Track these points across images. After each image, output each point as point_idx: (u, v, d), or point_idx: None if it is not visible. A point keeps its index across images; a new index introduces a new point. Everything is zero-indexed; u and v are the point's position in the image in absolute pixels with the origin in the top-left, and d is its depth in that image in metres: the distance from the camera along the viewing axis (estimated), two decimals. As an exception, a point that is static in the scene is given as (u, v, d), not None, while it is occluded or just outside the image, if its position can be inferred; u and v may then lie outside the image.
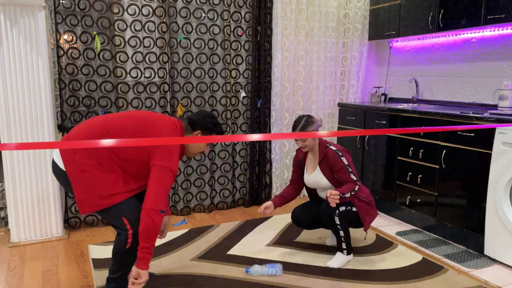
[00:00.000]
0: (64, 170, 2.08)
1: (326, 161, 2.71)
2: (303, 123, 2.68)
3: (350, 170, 2.65)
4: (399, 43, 4.24)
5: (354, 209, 2.67)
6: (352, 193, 2.59)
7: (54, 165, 2.14)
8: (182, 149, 2.30)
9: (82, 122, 2.19)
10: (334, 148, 2.71)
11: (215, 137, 1.65)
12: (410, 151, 3.36)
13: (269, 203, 2.80)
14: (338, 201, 2.51)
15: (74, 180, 2.07)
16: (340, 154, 2.68)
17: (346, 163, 2.66)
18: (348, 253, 2.72)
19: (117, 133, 2.09)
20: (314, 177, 2.79)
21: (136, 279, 2.05)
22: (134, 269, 2.08)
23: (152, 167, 2.09)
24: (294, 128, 2.72)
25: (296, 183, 2.96)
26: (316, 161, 2.79)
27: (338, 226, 2.64)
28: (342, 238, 2.68)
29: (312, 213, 2.89)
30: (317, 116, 3.32)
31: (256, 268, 2.58)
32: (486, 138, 2.77)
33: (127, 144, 1.42)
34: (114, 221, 2.12)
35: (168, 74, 3.55)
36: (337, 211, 2.61)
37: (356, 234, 3.23)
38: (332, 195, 2.50)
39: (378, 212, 3.76)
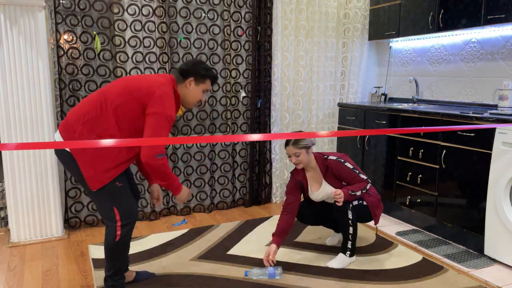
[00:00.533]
0: (68, 150, 2.08)
1: (331, 173, 2.69)
2: (295, 139, 2.58)
3: (358, 172, 2.67)
4: (399, 43, 4.24)
5: (365, 203, 2.68)
6: (364, 191, 2.62)
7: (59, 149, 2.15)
8: (178, 100, 2.24)
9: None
10: (334, 158, 2.69)
11: (216, 137, 1.65)
12: (410, 151, 3.36)
13: (273, 248, 2.60)
14: (342, 199, 2.53)
15: (79, 158, 2.07)
16: (342, 160, 2.68)
17: (351, 167, 2.67)
18: (351, 255, 2.72)
19: (112, 97, 2.10)
20: (323, 191, 2.74)
21: (157, 199, 2.39)
22: (157, 188, 2.39)
23: (146, 116, 2.09)
24: (286, 143, 2.62)
25: (293, 209, 2.68)
26: (320, 176, 2.75)
27: (350, 222, 2.63)
28: (350, 236, 2.67)
29: (318, 209, 2.89)
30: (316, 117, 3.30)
31: (255, 270, 2.57)
32: (486, 138, 2.77)
33: (128, 144, 1.42)
34: (105, 211, 2.13)
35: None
36: (350, 205, 2.62)
37: (361, 234, 3.22)
38: (336, 195, 2.52)
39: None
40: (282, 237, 2.64)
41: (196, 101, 2.31)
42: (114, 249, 2.17)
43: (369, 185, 2.65)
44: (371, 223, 3.40)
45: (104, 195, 2.12)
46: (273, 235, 2.66)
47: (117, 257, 2.20)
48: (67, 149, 2.08)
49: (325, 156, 2.72)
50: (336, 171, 2.67)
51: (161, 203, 2.51)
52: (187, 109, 2.28)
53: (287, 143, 2.62)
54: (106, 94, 2.12)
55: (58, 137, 2.14)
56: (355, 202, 2.65)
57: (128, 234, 2.17)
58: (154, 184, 2.44)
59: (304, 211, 2.90)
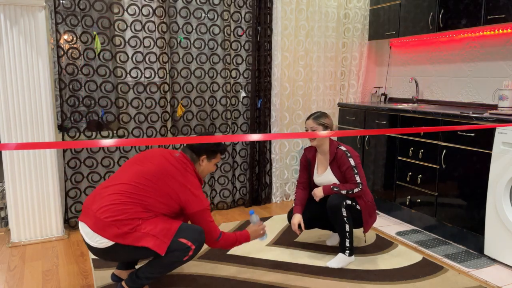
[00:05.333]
0: (112, 242, 2.03)
1: (336, 161, 2.75)
2: (320, 113, 2.79)
3: (356, 172, 2.68)
4: (399, 43, 4.24)
5: (358, 207, 2.70)
6: (349, 192, 2.65)
7: (97, 249, 2.08)
8: (199, 178, 2.39)
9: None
10: (344, 149, 2.75)
11: (216, 137, 1.65)
12: (410, 151, 3.36)
13: (297, 216, 2.77)
14: (317, 197, 2.73)
15: (135, 241, 2.03)
16: (349, 155, 2.72)
17: (353, 164, 2.70)
18: (350, 254, 2.72)
19: (152, 201, 2.14)
20: (326, 177, 2.80)
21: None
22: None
23: (190, 216, 2.24)
24: (309, 116, 2.80)
25: (307, 186, 2.93)
26: (327, 161, 2.81)
27: (345, 219, 2.64)
28: (347, 234, 2.68)
29: (311, 212, 2.89)
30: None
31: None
32: (486, 138, 2.77)
33: (127, 144, 1.42)
34: (177, 246, 2.10)
35: (168, 74, 3.55)
36: (344, 203, 2.63)
37: (358, 233, 3.22)
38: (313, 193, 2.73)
39: (378, 212, 3.76)
40: (302, 206, 2.86)
41: (208, 173, 2.47)
42: (173, 265, 2.15)
43: (357, 189, 2.65)
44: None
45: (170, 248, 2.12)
46: (294, 206, 2.85)
47: (169, 270, 2.19)
48: (111, 243, 2.02)
49: (338, 146, 2.78)
50: (339, 160, 2.74)
51: (262, 231, 2.59)
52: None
53: (308, 117, 2.80)
54: (142, 196, 2.11)
55: (92, 238, 2.06)
56: (348, 202, 2.66)
57: (196, 254, 2.20)
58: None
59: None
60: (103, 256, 2.12)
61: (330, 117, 2.80)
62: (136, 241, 2.03)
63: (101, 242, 2.03)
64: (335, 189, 2.67)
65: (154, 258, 2.15)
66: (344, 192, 2.65)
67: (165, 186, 2.17)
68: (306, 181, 2.93)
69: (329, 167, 2.79)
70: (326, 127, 2.75)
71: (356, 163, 2.71)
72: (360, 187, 2.65)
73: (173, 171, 2.21)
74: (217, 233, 2.29)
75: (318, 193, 2.75)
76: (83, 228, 2.10)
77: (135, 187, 2.11)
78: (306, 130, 2.79)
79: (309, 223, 2.92)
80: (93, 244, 2.06)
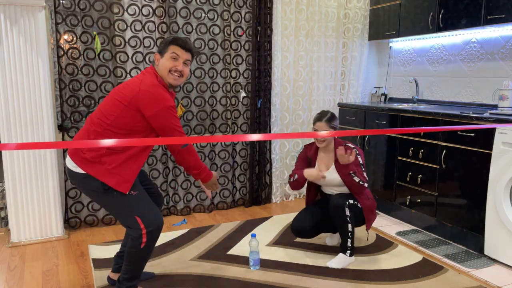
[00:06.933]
0: (84, 172, 2.06)
1: None
2: (330, 114, 2.72)
3: (364, 169, 2.70)
4: (399, 43, 4.24)
5: (359, 205, 2.70)
6: (361, 182, 2.62)
7: (71, 172, 2.11)
8: (163, 84, 2.18)
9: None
10: (352, 146, 2.75)
11: (216, 137, 1.65)
12: (410, 151, 3.36)
13: (310, 169, 2.71)
14: (351, 158, 2.55)
15: (98, 173, 2.05)
16: (357, 152, 2.73)
17: (361, 162, 2.70)
18: (351, 254, 2.72)
19: (108, 113, 2.10)
20: (329, 175, 2.76)
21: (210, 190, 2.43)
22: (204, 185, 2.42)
23: (148, 119, 2.07)
24: (321, 117, 2.72)
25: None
26: (331, 159, 2.80)
27: (348, 218, 2.63)
28: (349, 234, 2.67)
29: (314, 219, 2.83)
30: None
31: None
32: (486, 138, 2.77)
33: (127, 144, 1.42)
34: (128, 222, 2.10)
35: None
36: (347, 203, 2.63)
37: (358, 233, 3.22)
38: (342, 153, 2.54)
39: (378, 212, 3.76)
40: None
41: (167, 71, 2.16)
42: (138, 256, 2.14)
43: (366, 184, 2.67)
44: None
45: (123, 207, 2.11)
46: (296, 172, 2.76)
47: (139, 263, 2.18)
48: (82, 171, 2.06)
49: (345, 143, 2.77)
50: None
51: (217, 188, 2.51)
52: (172, 86, 2.20)
53: (320, 119, 2.71)
54: (102, 111, 2.11)
55: (69, 162, 2.12)
56: (351, 201, 2.66)
57: (154, 241, 2.15)
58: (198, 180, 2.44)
59: (301, 226, 2.82)
60: (71, 180, 2.16)
61: (336, 117, 2.81)
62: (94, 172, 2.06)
63: (71, 165, 2.10)
64: (351, 173, 2.61)
65: (125, 257, 2.17)
66: (356, 179, 2.59)
67: (119, 93, 2.10)
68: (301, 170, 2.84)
69: (333, 165, 2.77)
70: (335, 129, 2.73)
71: (363, 162, 2.72)
72: (367, 185, 2.67)
73: (131, 80, 2.15)
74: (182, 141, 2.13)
75: (330, 176, 2.73)
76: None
77: (98, 113, 2.12)
78: (315, 131, 2.74)
79: (314, 231, 2.86)
80: (69, 166, 2.13)
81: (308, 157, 2.89)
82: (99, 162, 2.06)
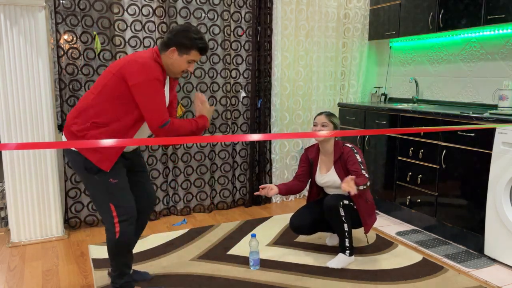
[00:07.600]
0: (73, 149, 2.09)
1: (342, 160, 2.74)
2: (330, 112, 2.81)
3: (362, 167, 2.69)
4: (399, 43, 4.24)
5: (355, 207, 2.69)
6: (365, 187, 2.55)
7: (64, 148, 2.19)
8: (160, 62, 2.10)
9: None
10: (350, 145, 2.76)
11: (216, 137, 1.65)
12: (410, 151, 3.36)
13: (273, 187, 2.71)
14: (353, 188, 2.40)
15: (82, 149, 2.06)
16: (355, 151, 2.73)
17: (360, 160, 2.70)
18: (350, 254, 2.72)
19: (96, 83, 2.10)
20: (330, 177, 2.79)
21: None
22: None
23: (132, 88, 1.99)
24: (321, 113, 2.80)
25: (302, 178, 2.89)
26: (331, 161, 2.80)
27: (343, 219, 2.63)
28: (346, 234, 2.67)
29: (312, 216, 2.85)
30: None
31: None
32: (486, 138, 2.77)
33: (127, 144, 1.42)
34: (103, 208, 2.13)
35: (168, 74, 3.55)
36: (341, 203, 2.62)
37: (357, 234, 3.22)
38: (347, 182, 2.41)
39: (378, 212, 3.76)
40: (286, 188, 2.80)
41: (180, 71, 2.14)
42: (116, 247, 2.16)
43: (369, 182, 2.65)
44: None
45: (101, 193, 2.12)
46: (280, 184, 2.81)
47: (119, 256, 2.19)
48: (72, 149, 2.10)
49: (343, 144, 2.78)
50: (347, 156, 2.72)
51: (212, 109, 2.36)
52: (174, 77, 2.17)
53: (319, 114, 2.79)
54: (95, 82, 2.14)
55: (64, 139, 2.17)
56: (346, 201, 2.65)
57: (127, 232, 2.15)
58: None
59: (298, 222, 2.84)
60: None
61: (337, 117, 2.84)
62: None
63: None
64: (357, 187, 2.53)
65: (108, 253, 2.19)
66: (361, 187, 2.50)
67: (112, 65, 2.08)
68: (303, 175, 2.89)
69: (333, 167, 2.78)
70: (335, 126, 2.76)
71: (362, 160, 2.72)
72: (369, 182, 2.63)
73: (130, 54, 2.11)
74: (162, 118, 2.00)
75: (330, 178, 2.77)
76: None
77: (90, 93, 2.12)
78: (315, 125, 2.78)
79: (312, 228, 2.87)
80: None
81: (309, 159, 2.91)
82: (84, 137, 2.06)
